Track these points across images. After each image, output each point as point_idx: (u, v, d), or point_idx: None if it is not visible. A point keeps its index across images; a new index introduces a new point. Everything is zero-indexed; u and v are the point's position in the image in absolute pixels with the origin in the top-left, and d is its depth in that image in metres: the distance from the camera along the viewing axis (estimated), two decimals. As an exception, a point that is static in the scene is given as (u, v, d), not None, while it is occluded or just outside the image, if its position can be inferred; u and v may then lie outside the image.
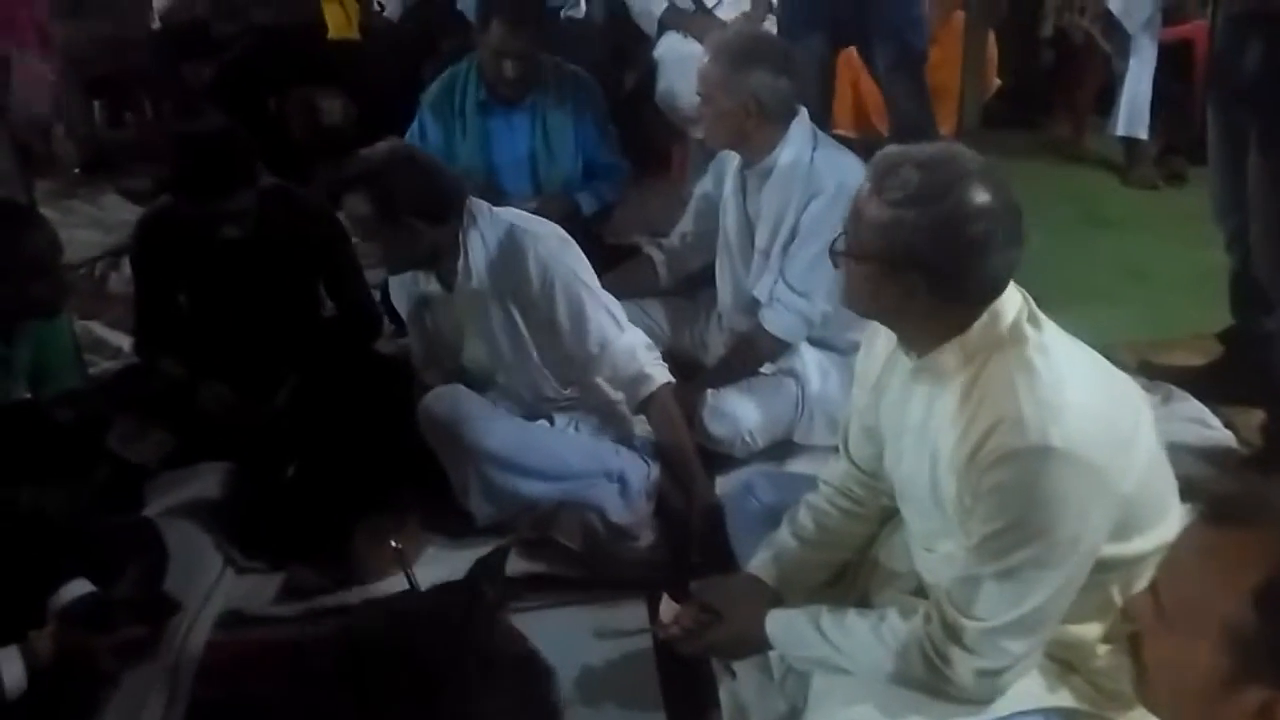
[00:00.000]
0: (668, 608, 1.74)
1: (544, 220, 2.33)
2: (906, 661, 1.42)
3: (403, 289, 2.41)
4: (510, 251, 2.21)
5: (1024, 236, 1.37)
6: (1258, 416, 2.45)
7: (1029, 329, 1.38)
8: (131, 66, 4.36)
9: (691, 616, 1.69)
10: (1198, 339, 2.78)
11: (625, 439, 2.37)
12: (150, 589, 2.05)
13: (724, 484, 2.34)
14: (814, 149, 2.40)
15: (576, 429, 2.38)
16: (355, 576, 2.19)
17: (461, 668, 0.87)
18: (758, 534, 1.79)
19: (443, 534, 2.29)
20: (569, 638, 1.99)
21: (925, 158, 1.37)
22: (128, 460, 2.31)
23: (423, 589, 1.84)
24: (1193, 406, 2.58)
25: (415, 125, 3.02)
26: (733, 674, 1.84)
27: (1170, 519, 1.39)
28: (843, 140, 2.87)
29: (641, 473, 2.31)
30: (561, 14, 3.85)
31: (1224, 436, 2.51)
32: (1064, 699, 1.42)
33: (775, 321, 2.43)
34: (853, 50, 3.48)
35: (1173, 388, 2.64)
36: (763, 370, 2.49)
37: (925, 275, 1.36)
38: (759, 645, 1.62)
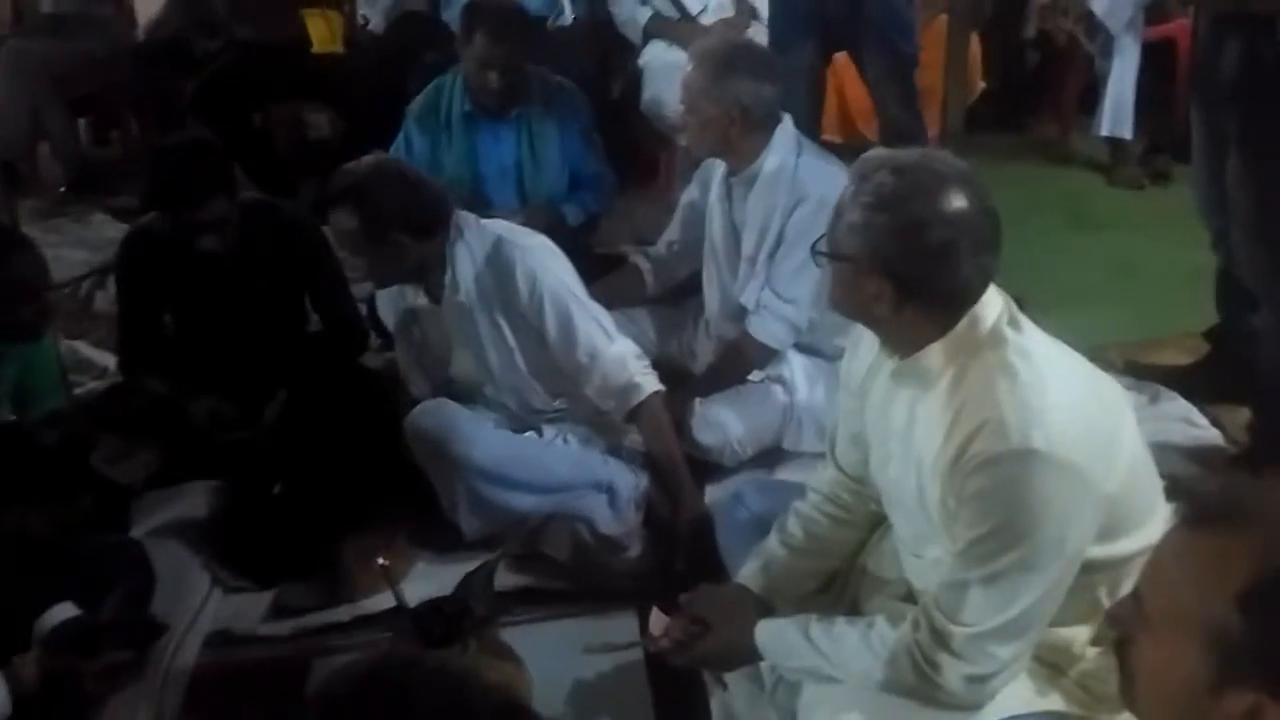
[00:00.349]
0: (657, 620, 1.73)
1: (531, 232, 2.33)
2: (896, 669, 1.41)
3: (390, 302, 2.41)
4: (498, 263, 2.21)
5: (1000, 243, 1.37)
6: (1244, 415, 2.45)
7: (1009, 332, 1.38)
8: (116, 84, 4.35)
9: (681, 628, 1.68)
10: (1185, 338, 2.78)
11: (614, 449, 2.36)
12: (137, 610, 2.04)
13: (713, 493, 2.34)
14: (798, 156, 2.40)
15: (565, 440, 2.37)
16: (344, 594, 2.18)
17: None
18: (747, 543, 1.78)
19: (431, 549, 2.29)
20: (559, 651, 1.99)
21: (902, 163, 1.38)
22: (113, 481, 2.29)
23: (411, 605, 1.84)
24: (1180, 405, 2.58)
25: (401, 137, 3.02)
26: (724, 685, 1.83)
27: (1156, 520, 1.39)
28: (829, 146, 2.87)
29: (630, 483, 2.30)
30: (548, 23, 3.86)
31: (1211, 435, 2.51)
32: (1054, 702, 1.42)
33: (762, 329, 2.43)
34: (837, 56, 3.48)
35: (1160, 387, 2.64)
36: (751, 378, 2.49)
37: (895, 279, 1.37)
38: (749, 656, 1.61)
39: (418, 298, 2.30)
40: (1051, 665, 1.44)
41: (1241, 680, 0.85)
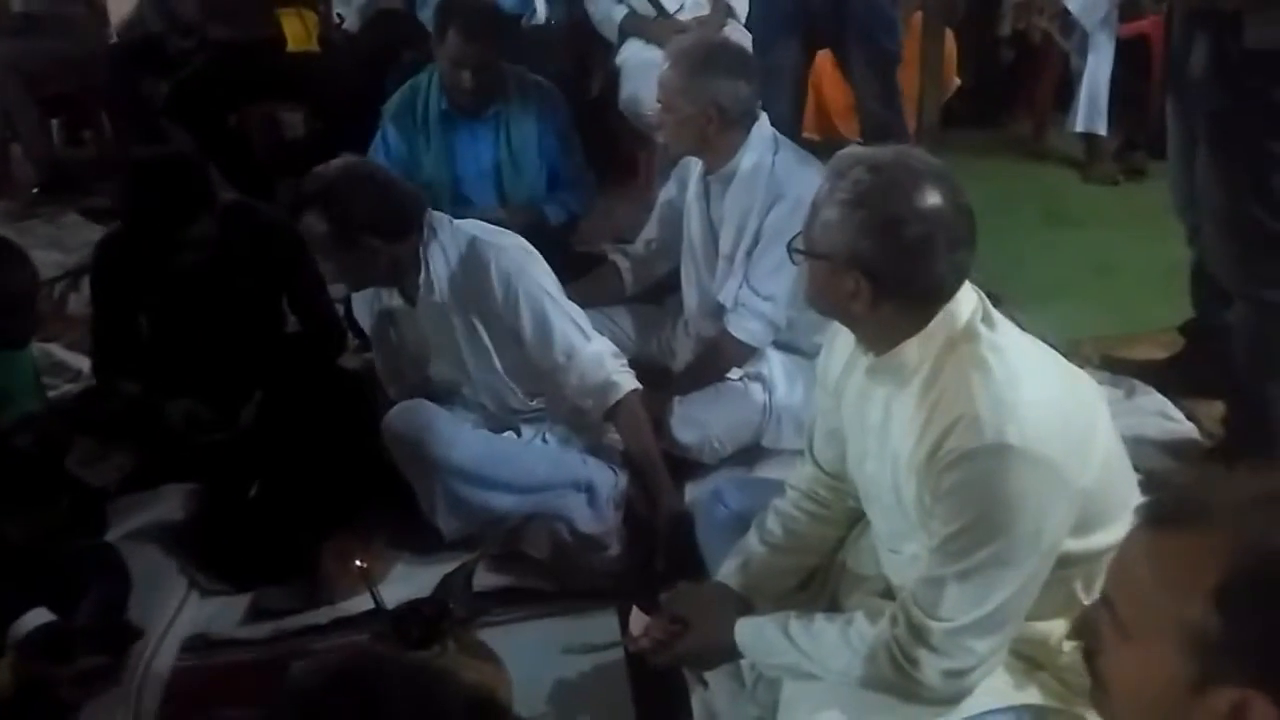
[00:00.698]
0: (638, 619, 1.73)
1: (506, 231, 2.32)
2: (875, 665, 1.42)
3: (365, 304, 2.40)
4: (472, 264, 2.20)
5: (974, 239, 1.38)
6: (1219, 408, 2.47)
7: (983, 328, 1.38)
8: (89, 84, 4.31)
9: (661, 627, 1.68)
10: (1160, 333, 2.80)
11: (593, 448, 2.36)
12: (112, 615, 2.02)
13: (693, 491, 2.34)
14: (775, 154, 2.40)
15: (544, 440, 2.37)
16: (322, 596, 2.17)
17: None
18: (727, 541, 1.78)
19: (410, 550, 2.28)
20: (539, 651, 1.99)
21: (877, 160, 1.38)
22: (88, 484, 2.27)
23: (390, 607, 1.83)
24: (1155, 400, 2.60)
25: (378, 138, 3.00)
26: (705, 683, 1.84)
27: (1131, 514, 1.40)
28: (806, 144, 2.88)
29: (609, 482, 2.30)
30: (523, 22, 3.84)
31: (1186, 429, 2.53)
32: (1032, 696, 1.42)
33: (741, 327, 2.43)
34: (815, 54, 3.49)
35: (1135, 381, 2.66)
36: (730, 376, 2.49)
37: (871, 276, 1.37)
38: (729, 654, 1.61)
39: (393, 299, 2.29)
40: (1029, 659, 1.45)
41: (1225, 677, 0.85)
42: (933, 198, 1.35)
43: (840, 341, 1.57)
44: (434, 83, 2.96)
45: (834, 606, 1.64)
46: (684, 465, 2.41)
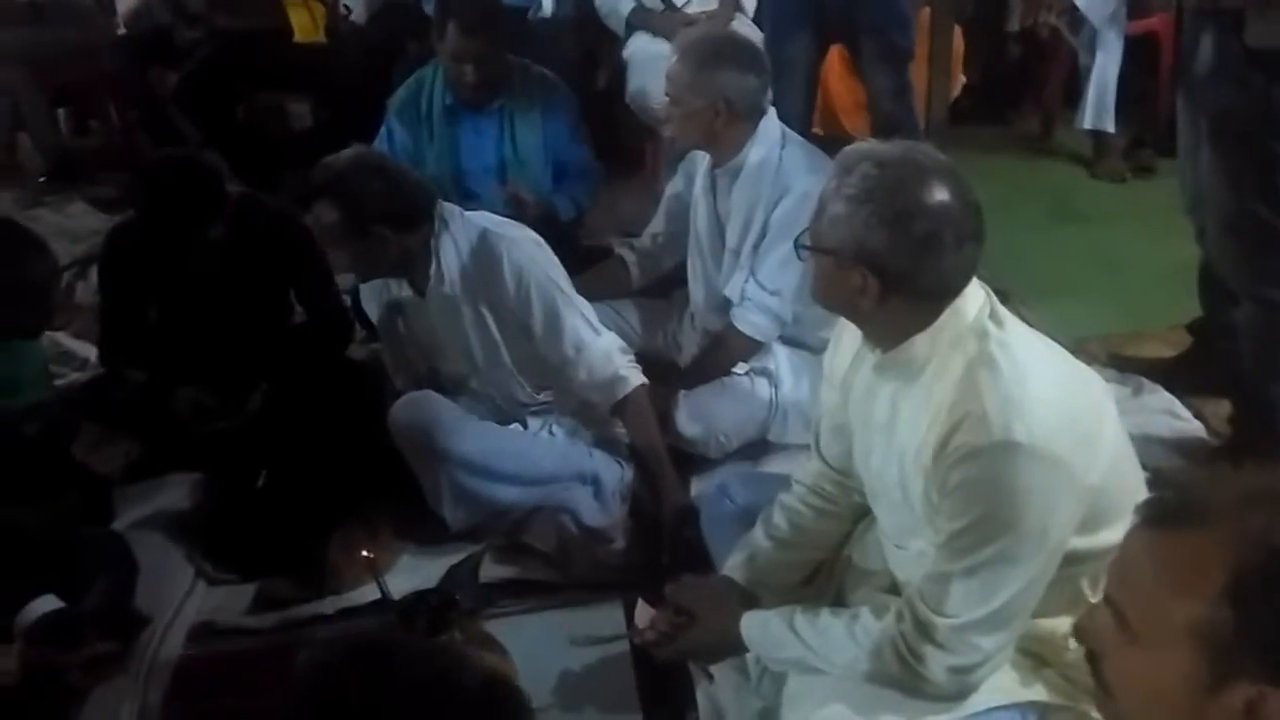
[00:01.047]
0: (643, 612, 1.74)
1: (517, 224, 2.32)
2: (880, 660, 1.42)
3: (374, 294, 2.39)
4: (484, 256, 2.20)
5: (982, 236, 1.38)
6: (1226, 407, 2.46)
7: (991, 325, 1.38)
8: (96, 74, 4.31)
9: (667, 620, 1.69)
10: (1168, 331, 2.80)
11: (600, 441, 2.36)
12: (119, 603, 2.03)
13: (698, 485, 2.34)
14: (783, 148, 2.40)
15: (550, 432, 2.37)
16: (328, 586, 2.18)
17: (431, 700, 0.86)
18: (733, 535, 1.79)
19: (416, 541, 2.28)
20: (545, 643, 1.99)
21: (885, 156, 1.38)
22: (95, 472, 2.28)
23: (395, 598, 1.84)
24: (1163, 398, 2.60)
25: (383, 131, 3.00)
26: (710, 677, 1.84)
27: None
28: (813, 140, 2.87)
29: (615, 475, 2.31)
30: (529, 15, 3.84)
31: (1194, 427, 2.53)
32: (1037, 693, 1.42)
33: (747, 321, 2.43)
34: (827, 49, 3.48)
35: (1143, 379, 2.66)
36: (736, 370, 2.49)
37: (878, 271, 1.37)
38: (734, 647, 1.62)
39: (402, 290, 2.29)
40: (1035, 656, 1.45)
41: (1239, 674, 0.85)
42: (940, 193, 1.35)
43: (847, 337, 1.57)
44: (438, 76, 2.95)
45: (839, 601, 1.64)
46: (690, 459, 2.41)
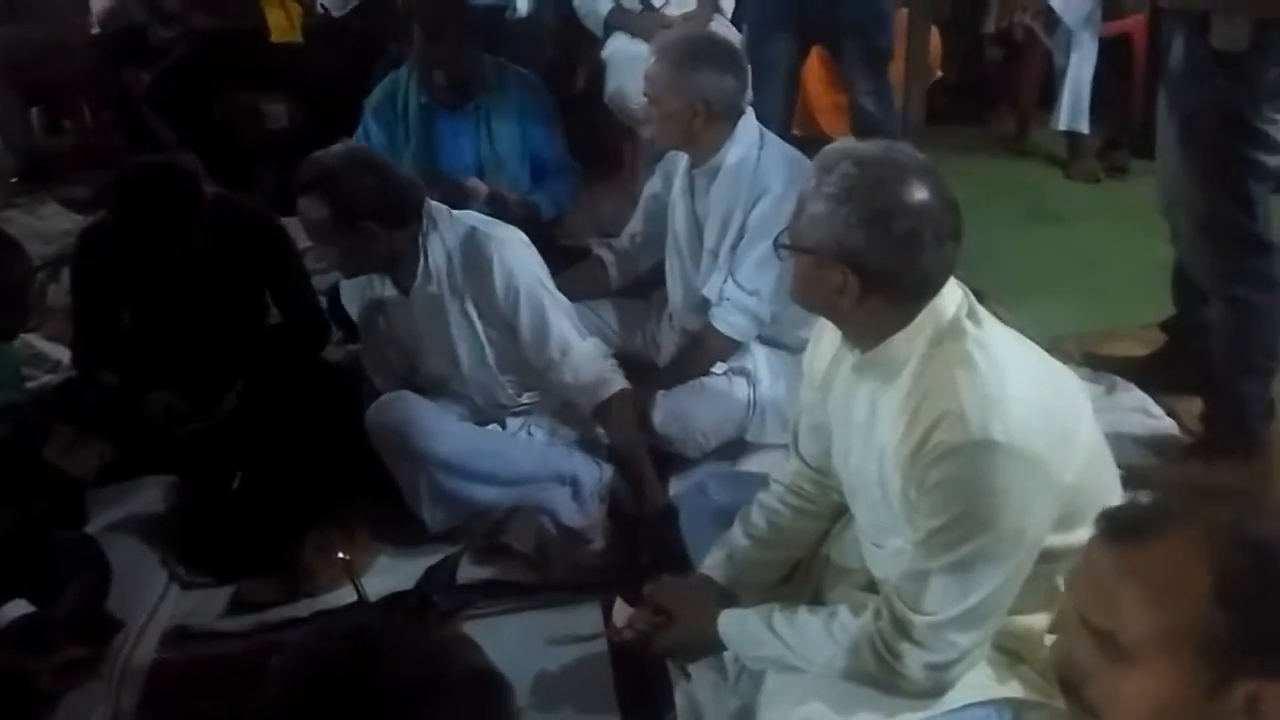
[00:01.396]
0: (621, 611, 1.74)
1: (504, 224, 2.32)
2: (858, 658, 1.43)
3: (356, 292, 2.38)
4: (472, 255, 2.19)
5: (961, 234, 1.38)
6: (1199, 405, 2.48)
7: (969, 324, 1.39)
8: (70, 73, 4.27)
9: (645, 619, 1.69)
10: (1142, 330, 2.82)
11: (580, 441, 2.36)
12: (92, 607, 2.01)
13: (677, 485, 2.34)
14: (761, 148, 2.40)
15: (529, 433, 2.36)
16: (304, 589, 2.16)
17: (417, 686, 0.85)
18: (711, 534, 1.79)
19: (394, 542, 2.28)
20: (524, 644, 1.98)
21: (863, 155, 1.38)
22: (67, 475, 2.26)
23: (372, 599, 1.83)
24: (1136, 396, 2.62)
25: (360, 131, 2.99)
26: (687, 675, 1.84)
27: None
28: (792, 141, 2.88)
29: (594, 475, 2.30)
30: (505, 15, 3.83)
31: (1167, 425, 2.55)
32: (1013, 689, 1.43)
33: (725, 321, 2.43)
34: (808, 50, 3.50)
35: (1117, 378, 2.68)
36: (714, 370, 2.49)
37: (858, 270, 1.37)
38: (713, 646, 1.62)
39: (385, 289, 2.28)
40: (1011, 653, 1.46)
41: (1238, 673, 0.85)
42: (919, 192, 1.35)
43: (826, 337, 1.58)
44: (413, 76, 2.94)
45: (817, 599, 1.64)
46: (668, 459, 2.41)
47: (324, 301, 2.70)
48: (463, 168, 2.96)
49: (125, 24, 4.24)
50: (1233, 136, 2.09)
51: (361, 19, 4.06)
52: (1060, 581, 1.42)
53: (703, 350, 2.48)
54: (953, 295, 1.41)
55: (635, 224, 2.73)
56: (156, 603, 2.17)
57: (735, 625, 1.56)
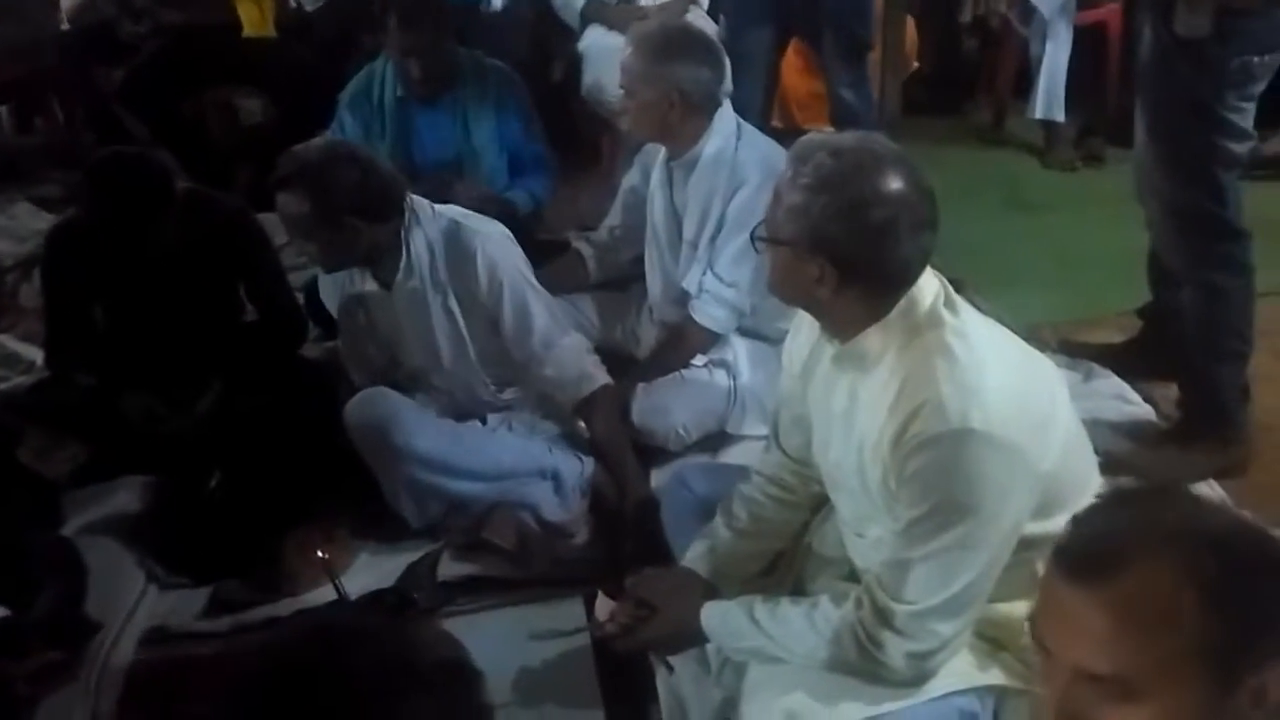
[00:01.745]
0: (603, 605, 1.74)
1: (487, 218, 2.30)
2: (840, 647, 1.43)
3: (335, 287, 2.36)
4: (455, 250, 2.18)
5: (937, 224, 1.39)
6: (1176, 390, 2.50)
7: (946, 314, 1.39)
8: (40, 70, 4.21)
9: (627, 613, 1.69)
10: (1118, 317, 2.83)
11: (560, 436, 2.35)
12: (69, 609, 1.99)
13: (658, 477, 2.34)
14: (738, 140, 2.40)
15: (509, 428, 2.36)
16: (284, 588, 2.15)
17: (388, 679, 0.85)
18: (693, 526, 1.79)
19: (373, 540, 2.26)
20: (506, 640, 1.98)
21: (839, 145, 1.39)
22: (43, 477, 2.23)
23: (353, 597, 1.82)
24: (1113, 383, 2.63)
25: (334, 125, 2.96)
26: (670, 668, 1.84)
27: (1090, 496, 1.41)
28: (770, 132, 2.87)
29: (575, 469, 2.30)
30: (481, 7, 3.81)
31: (1143, 411, 2.56)
32: (994, 677, 1.44)
33: (705, 313, 2.43)
34: (788, 42, 3.49)
35: (1093, 365, 2.69)
36: (694, 362, 2.49)
37: (835, 260, 1.37)
38: (695, 638, 1.62)
39: (365, 283, 2.26)
40: (992, 640, 1.47)
41: (1243, 669, 0.86)
42: (895, 181, 1.36)
43: (805, 329, 1.58)
44: (389, 69, 2.92)
45: (799, 590, 1.65)
46: (649, 451, 2.40)
47: (301, 298, 2.68)
48: (439, 161, 2.95)
49: (95, 19, 4.18)
50: (1199, 124, 2.10)
51: (335, 11, 4.03)
52: (1040, 568, 1.43)
53: (683, 343, 2.48)
54: (930, 285, 1.41)
55: (614, 217, 2.72)
56: (135, 604, 2.15)
57: (717, 617, 1.56)
